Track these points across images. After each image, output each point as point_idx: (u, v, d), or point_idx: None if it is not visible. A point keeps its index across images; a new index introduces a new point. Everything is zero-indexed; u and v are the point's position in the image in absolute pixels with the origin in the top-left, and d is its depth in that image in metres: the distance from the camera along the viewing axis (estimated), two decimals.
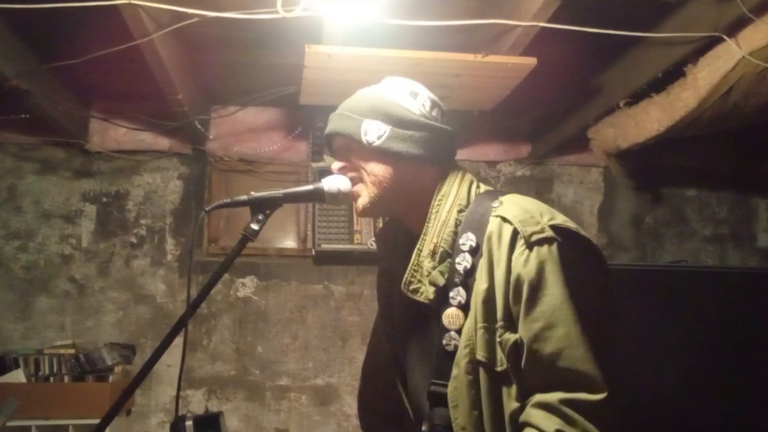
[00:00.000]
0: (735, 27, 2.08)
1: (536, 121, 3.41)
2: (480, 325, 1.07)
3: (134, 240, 3.34)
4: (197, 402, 3.23)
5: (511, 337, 1.04)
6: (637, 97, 2.74)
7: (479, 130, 3.42)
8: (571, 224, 1.09)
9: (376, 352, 1.45)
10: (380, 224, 3.31)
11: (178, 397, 2.27)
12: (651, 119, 2.71)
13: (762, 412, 2.63)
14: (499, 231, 1.08)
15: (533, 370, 1.03)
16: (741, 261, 3.81)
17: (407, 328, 1.28)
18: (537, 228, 1.05)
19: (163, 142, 3.34)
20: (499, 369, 1.05)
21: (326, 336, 3.39)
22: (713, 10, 2.07)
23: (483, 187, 1.24)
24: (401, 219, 1.30)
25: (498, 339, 1.06)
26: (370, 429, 1.49)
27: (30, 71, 2.50)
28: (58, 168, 3.33)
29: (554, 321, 1.01)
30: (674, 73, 2.47)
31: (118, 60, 2.28)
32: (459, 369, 1.09)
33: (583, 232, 1.10)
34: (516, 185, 3.63)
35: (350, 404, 3.35)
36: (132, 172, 3.38)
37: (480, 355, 1.06)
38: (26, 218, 3.28)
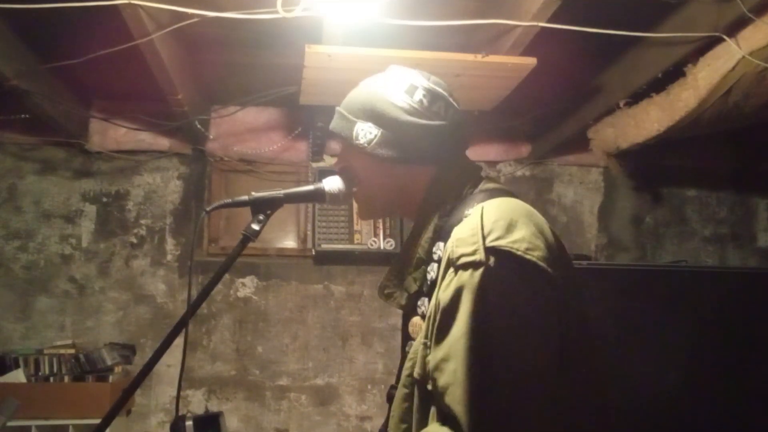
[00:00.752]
0: (735, 27, 2.08)
1: (536, 121, 3.40)
2: (422, 340, 1.04)
3: (134, 240, 3.34)
4: (197, 402, 3.23)
5: (429, 359, 1.00)
6: (637, 97, 2.74)
7: (479, 130, 3.42)
8: (520, 245, 0.96)
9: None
10: (380, 224, 3.32)
11: (178, 397, 2.27)
12: (651, 119, 2.71)
13: (762, 412, 2.63)
14: (448, 247, 1.03)
15: (434, 398, 0.99)
16: (741, 261, 3.81)
17: (401, 331, 1.29)
18: (468, 250, 0.96)
19: (163, 142, 3.34)
20: (429, 388, 1.00)
21: (326, 336, 3.39)
22: (713, 10, 2.06)
23: (483, 185, 1.18)
24: (406, 218, 1.30)
25: (428, 358, 1.02)
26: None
27: (30, 71, 2.50)
28: (58, 168, 3.33)
29: (450, 354, 0.94)
30: (674, 73, 2.47)
31: (118, 60, 2.27)
32: (401, 380, 1.08)
33: (531, 256, 0.96)
34: (516, 185, 3.63)
35: (350, 404, 3.35)
36: (132, 172, 3.38)
37: (416, 372, 1.03)
38: (26, 218, 3.28)
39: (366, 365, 3.39)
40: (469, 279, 0.95)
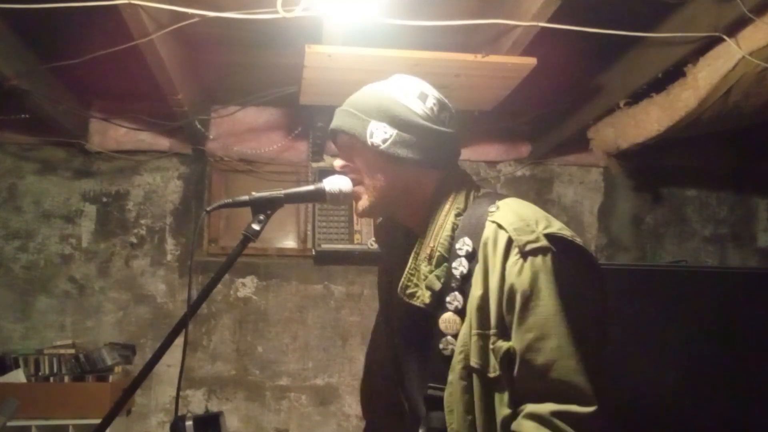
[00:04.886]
0: (735, 27, 2.08)
1: (536, 121, 3.40)
2: (474, 331, 1.07)
3: (134, 240, 3.34)
4: (197, 402, 3.23)
5: (503, 345, 1.05)
6: (637, 97, 2.74)
7: (479, 130, 3.42)
8: (566, 232, 1.09)
9: (376, 348, 1.46)
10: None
11: (178, 397, 2.27)
12: (651, 119, 2.71)
13: (762, 412, 2.63)
14: (494, 238, 1.08)
15: (525, 380, 1.03)
16: (741, 261, 3.81)
17: (406, 330, 1.28)
18: (532, 237, 1.05)
19: (163, 142, 3.34)
20: (491, 375, 1.05)
21: (326, 336, 3.39)
22: (713, 10, 2.06)
23: (482, 190, 1.24)
24: (402, 220, 1.30)
25: (491, 346, 1.06)
26: (371, 418, 1.49)
27: (30, 71, 2.50)
28: (58, 168, 3.33)
29: (547, 332, 1.01)
30: (674, 73, 2.47)
31: (118, 60, 2.27)
32: (454, 374, 1.09)
33: (578, 241, 1.09)
34: (516, 185, 3.63)
35: (350, 404, 3.35)
36: (132, 172, 3.38)
37: (474, 361, 1.06)
38: (26, 218, 3.28)
39: None
40: (543, 263, 1.04)
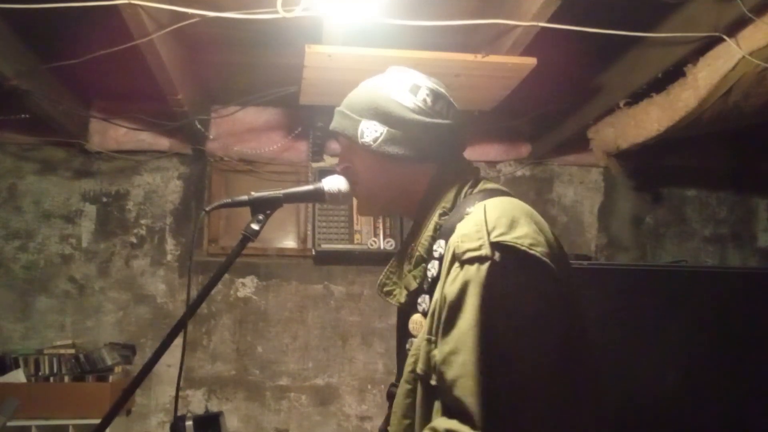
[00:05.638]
0: (735, 27, 2.08)
1: (536, 121, 3.40)
2: (425, 336, 1.04)
3: (134, 240, 3.34)
4: (197, 402, 3.23)
5: (435, 354, 1.01)
6: (637, 97, 2.74)
7: (479, 130, 3.42)
8: (523, 241, 0.99)
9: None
10: (380, 224, 3.32)
11: (177, 397, 2.27)
12: (651, 119, 2.71)
13: (762, 412, 2.63)
14: (453, 242, 1.04)
15: (441, 392, 0.99)
16: (741, 261, 3.81)
17: (397, 328, 1.29)
18: (473, 245, 0.98)
19: (163, 142, 3.34)
20: (432, 383, 1.01)
21: (326, 336, 3.39)
22: (713, 10, 2.06)
23: (481, 185, 1.19)
24: (404, 216, 1.30)
25: (431, 353, 1.02)
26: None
27: (30, 71, 2.49)
28: (58, 168, 3.33)
29: (459, 347, 0.96)
30: (674, 73, 2.47)
31: (118, 60, 2.27)
32: (403, 377, 1.08)
33: (535, 251, 0.99)
34: (516, 185, 3.63)
35: (350, 404, 3.35)
36: (132, 172, 3.38)
37: (419, 367, 1.04)
38: (26, 218, 3.28)
39: (366, 365, 3.39)
40: (476, 273, 0.97)
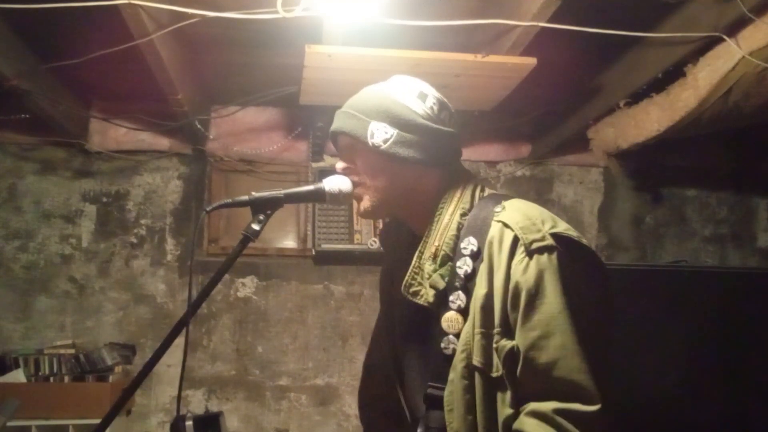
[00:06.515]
0: (735, 27, 2.08)
1: (536, 121, 3.40)
2: (477, 330, 1.07)
3: (134, 240, 3.34)
4: (197, 402, 3.23)
5: (507, 343, 1.05)
6: (637, 97, 2.74)
7: (479, 130, 3.42)
8: (572, 232, 1.09)
9: (377, 349, 1.46)
10: (381, 225, 3.32)
11: (179, 396, 2.28)
12: (651, 119, 2.71)
13: (762, 412, 2.63)
14: (500, 237, 1.08)
15: (529, 378, 1.03)
16: (741, 261, 3.81)
17: (407, 329, 1.28)
18: (538, 236, 1.05)
19: (163, 142, 3.34)
20: (494, 375, 1.05)
21: (326, 336, 3.39)
22: (713, 10, 2.06)
23: (487, 191, 1.24)
24: (404, 220, 1.30)
25: (494, 345, 1.06)
26: (369, 425, 1.49)
27: (30, 71, 2.49)
28: (58, 168, 3.33)
29: (551, 330, 1.01)
30: (674, 73, 2.47)
31: (118, 60, 2.27)
32: (455, 373, 1.09)
33: (584, 241, 1.10)
34: (516, 185, 3.63)
35: (350, 404, 3.35)
36: (132, 172, 3.38)
37: (476, 360, 1.06)
38: (26, 218, 3.28)
39: None
40: (548, 262, 1.04)
